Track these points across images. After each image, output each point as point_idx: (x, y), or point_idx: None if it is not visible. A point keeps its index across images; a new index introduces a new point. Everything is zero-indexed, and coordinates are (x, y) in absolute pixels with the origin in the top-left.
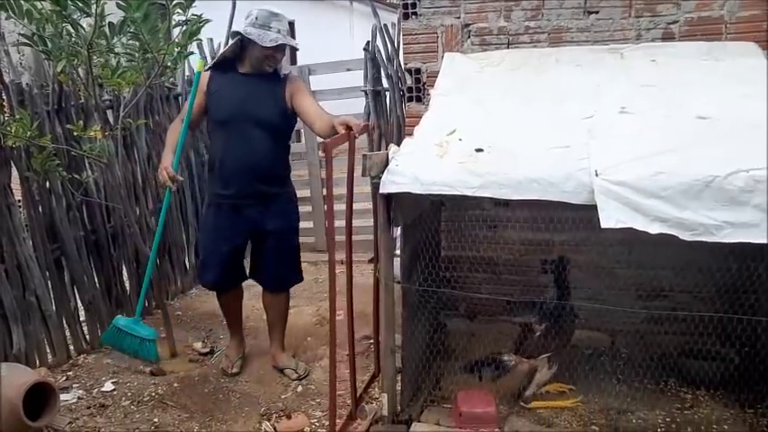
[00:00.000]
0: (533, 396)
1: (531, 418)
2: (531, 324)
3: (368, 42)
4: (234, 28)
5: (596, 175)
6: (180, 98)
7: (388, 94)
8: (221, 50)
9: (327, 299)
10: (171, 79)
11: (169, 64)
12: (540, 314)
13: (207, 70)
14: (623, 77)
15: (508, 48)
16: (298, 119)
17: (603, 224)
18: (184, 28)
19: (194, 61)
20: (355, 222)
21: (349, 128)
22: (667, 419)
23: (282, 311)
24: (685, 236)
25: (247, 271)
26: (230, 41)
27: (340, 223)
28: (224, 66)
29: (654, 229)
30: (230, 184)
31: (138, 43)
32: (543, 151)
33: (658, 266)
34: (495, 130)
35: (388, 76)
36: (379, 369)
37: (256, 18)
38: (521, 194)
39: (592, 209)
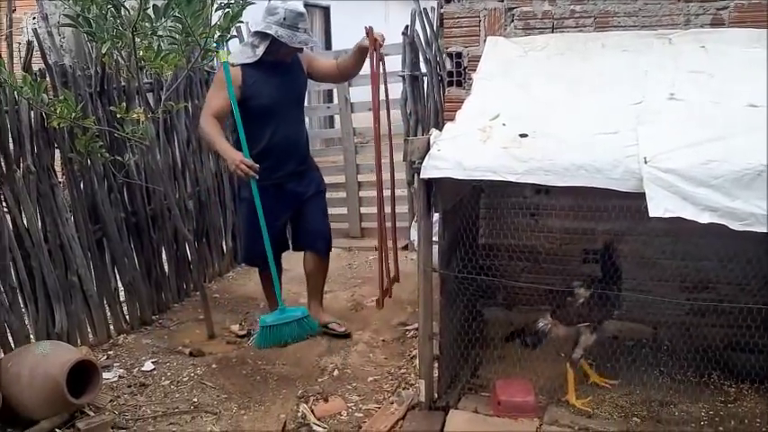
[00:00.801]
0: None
1: (571, 409)
2: (573, 289)
3: (406, 26)
4: (254, 26)
5: (645, 162)
6: None
7: (425, 79)
8: (248, 46)
9: (362, 284)
10: (211, 63)
11: (210, 47)
12: (586, 279)
13: (234, 65)
14: (671, 63)
15: (552, 32)
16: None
17: (652, 213)
18: (227, 10)
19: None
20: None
21: (374, 39)
22: (710, 413)
23: (325, 273)
24: (735, 226)
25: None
26: (255, 39)
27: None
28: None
29: (704, 218)
30: (278, 165)
31: (180, 26)
32: (590, 137)
33: (704, 257)
34: (539, 116)
35: (427, 61)
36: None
37: (284, 18)
38: (566, 181)
39: (639, 197)
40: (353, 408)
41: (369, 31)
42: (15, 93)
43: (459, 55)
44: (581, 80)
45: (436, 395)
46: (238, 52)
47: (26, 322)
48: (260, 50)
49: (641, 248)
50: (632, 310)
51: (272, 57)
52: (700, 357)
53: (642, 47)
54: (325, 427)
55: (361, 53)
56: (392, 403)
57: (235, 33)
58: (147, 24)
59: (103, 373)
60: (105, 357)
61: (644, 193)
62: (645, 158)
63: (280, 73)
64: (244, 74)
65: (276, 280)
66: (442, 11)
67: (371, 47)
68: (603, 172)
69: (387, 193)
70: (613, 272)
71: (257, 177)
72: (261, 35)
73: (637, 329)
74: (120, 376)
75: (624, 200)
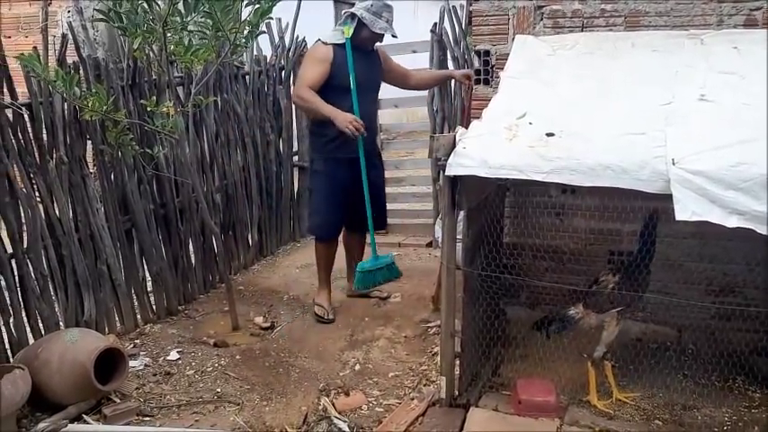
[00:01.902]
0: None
1: (593, 410)
2: (599, 276)
3: (435, 24)
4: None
5: (673, 163)
6: (247, 77)
7: None
8: (338, 31)
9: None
10: (240, 58)
11: (240, 43)
12: (612, 267)
13: (326, 44)
14: (703, 64)
15: (582, 31)
16: None
17: (679, 216)
18: (257, 6)
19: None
20: (415, 206)
21: (467, 77)
22: (734, 418)
23: (363, 248)
24: (763, 230)
25: None
26: (345, 19)
27: (401, 206)
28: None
29: (731, 222)
30: (353, 143)
31: (210, 21)
32: (617, 137)
33: (732, 261)
34: (567, 115)
35: (455, 59)
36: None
37: (371, 5)
38: (592, 181)
39: (665, 199)
40: (374, 402)
41: (467, 76)
42: (49, 85)
43: (487, 53)
44: (610, 80)
45: (457, 392)
46: (330, 35)
47: (56, 310)
48: (352, 32)
49: (667, 251)
50: (657, 312)
51: (356, 40)
52: (724, 362)
53: (673, 47)
54: (345, 421)
55: (442, 80)
56: (413, 399)
57: (264, 29)
58: (177, 19)
59: (130, 362)
60: (132, 346)
61: (671, 195)
62: (673, 160)
63: (362, 58)
64: (334, 53)
65: (372, 236)
66: (470, 9)
67: (465, 84)
68: (630, 173)
69: (413, 189)
70: (650, 245)
71: (365, 134)
72: (350, 17)
73: (661, 332)
74: (145, 365)
75: (651, 201)
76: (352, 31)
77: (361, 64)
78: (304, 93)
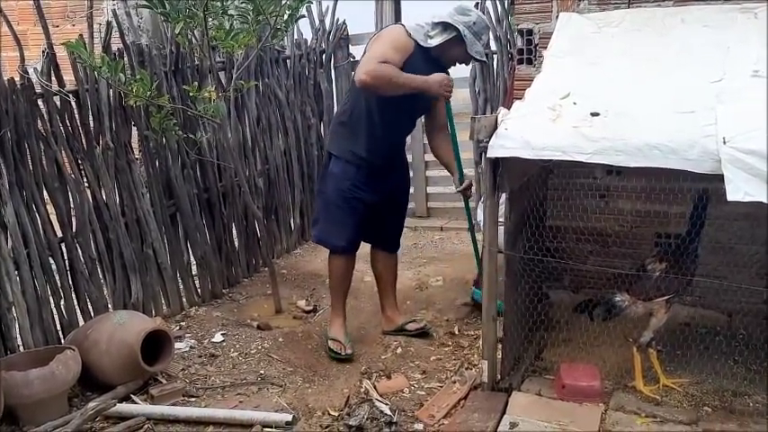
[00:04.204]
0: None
1: (639, 395)
2: (645, 264)
3: (477, 4)
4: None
5: (724, 142)
6: (288, 61)
7: (495, 57)
8: (420, 32)
9: (427, 264)
10: (281, 42)
11: (280, 26)
12: (659, 252)
13: (410, 36)
14: (756, 39)
15: (628, 7)
16: None
17: (730, 197)
18: None
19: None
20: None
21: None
22: None
23: (396, 269)
24: None
25: None
26: (433, 30)
27: (443, 189)
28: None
29: None
30: (379, 151)
31: (251, 6)
32: (665, 116)
33: None
34: (612, 94)
35: (497, 39)
36: None
37: (474, 23)
38: (639, 161)
39: (716, 179)
40: (416, 386)
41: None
42: (95, 72)
43: (530, 32)
44: (658, 57)
45: (499, 376)
46: (414, 29)
47: (104, 292)
48: (434, 42)
49: (717, 233)
50: (706, 296)
51: (438, 53)
52: None
53: (725, 21)
54: (387, 404)
55: (445, 165)
56: (454, 383)
57: (304, 13)
58: (218, 4)
59: (176, 343)
60: (178, 328)
61: (722, 176)
62: (724, 139)
63: (429, 71)
64: (414, 51)
65: (474, 241)
66: None
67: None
68: (679, 152)
69: None
70: (699, 227)
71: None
72: (443, 26)
73: (710, 317)
74: (191, 347)
75: (700, 182)
76: (438, 42)
77: (426, 73)
78: (379, 67)
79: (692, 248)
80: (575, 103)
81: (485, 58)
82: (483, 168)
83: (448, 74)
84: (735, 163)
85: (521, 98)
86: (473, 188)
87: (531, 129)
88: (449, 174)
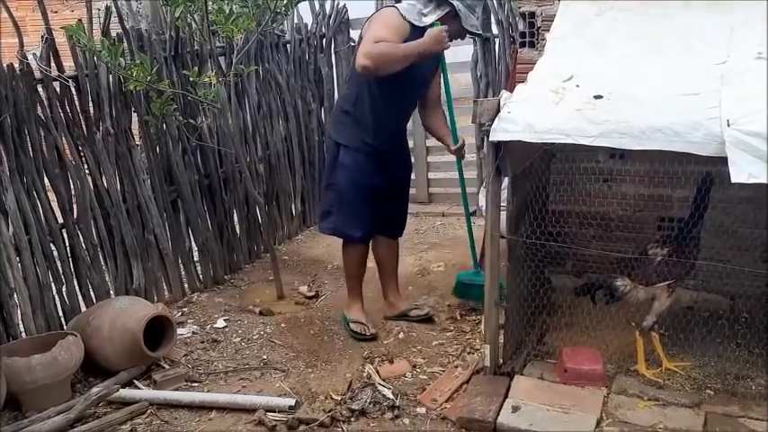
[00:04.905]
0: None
1: (641, 379)
2: (647, 249)
3: None
4: None
5: (728, 124)
6: (288, 46)
7: (497, 40)
8: (414, 10)
9: (428, 249)
10: (281, 27)
11: (280, 11)
12: (662, 239)
13: (405, 19)
14: (761, 20)
15: None
16: None
17: (734, 178)
18: None
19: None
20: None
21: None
22: None
23: (397, 256)
24: None
25: None
26: (426, 8)
27: (444, 175)
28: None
29: None
30: (386, 136)
31: None
32: (669, 99)
33: None
34: (615, 77)
35: (499, 22)
36: None
37: None
38: (642, 144)
39: (719, 162)
40: (418, 370)
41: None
42: (95, 57)
43: (532, 15)
44: (661, 39)
45: (501, 360)
46: (407, 9)
47: (106, 278)
48: (428, 19)
49: (720, 216)
50: (709, 280)
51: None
52: None
53: (729, 2)
54: (389, 388)
55: (440, 137)
56: (456, 367)
57: None
58: None
59: (178, 329)
60: (180, 314)
61: (726, 158)
62: (728, 121)
63: None
64: (409, 34)
65: (471, 236)
66: None
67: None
68: (683, 135)
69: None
70: (703, 209)
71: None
72: (436, 3)
73: (713, 300)
74: (193, 332)
75: (704, 165)
76: (436, 20)
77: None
78: (374, 47)
79: (694, 232)
80: (578, 86)
81: (481, 31)
82: (485, 152)
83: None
84: (739, 145)
85: (523, 81)
86: (464, 151)
87: (534, 112)
88: (451, 160)
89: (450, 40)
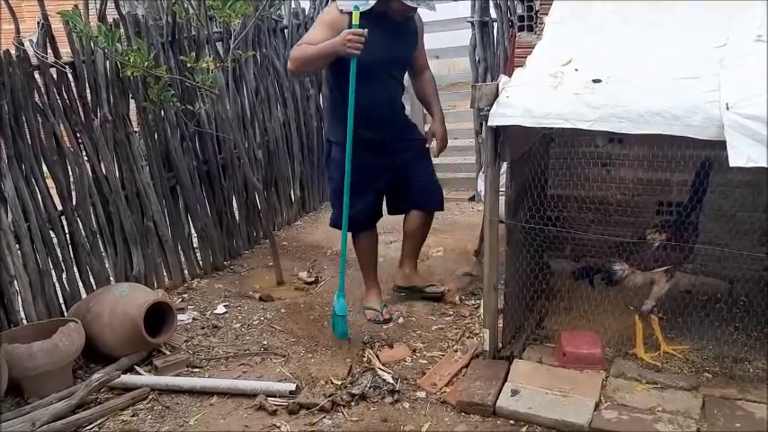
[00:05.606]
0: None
1: (639, 362)
2: (645, 234)
3: None
4: None
5: (727, 108)
6: (286, 31)
7: (495, 24)
8: None
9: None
10: (278, 11)
11: None
12: (660, 224)
13: (342, 12)
14: (761, 3)
15: None
16: None
17: (733, 162)
18: None
19: None
20: (456, 159)
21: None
22: None
23: (424, 234)
24: None
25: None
26: None
27: (444, 160)
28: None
29: None
30: (375, 125)
31: None
32: (668, 82)
33: None
34: (614, 60)
35: (497, 6)
36: None
37: None
38: (641, 128)
39: (718, 146)
40: (418, 354)
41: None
42: (92, 43)
43: None
44: (660, 23)
45: (500, 345)
46: (344, 2)
47: (106, 265)
48: (371, 1)
49: (719, 200)
50: (707, 264)
51: (381, 10)
52: None
53: None
54: (389, 372)
55: (424, 105)
56: (456, 351)
57: None
58: None
59: (178, 315)
60: (180, 300)
61: (725, 142)
62: (727, 104)
63: (388, 31)
64: (347, 22)
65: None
66: None
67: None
68: (681, 119)
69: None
70: (702, 193)
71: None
72: None
73: (711, 284)
74: (193, 318)
75: (703, 149)
76: (373, 1)
77: (387, 37)
78: (294, 51)
79: (693, 217)
80: (576, 70)
81: (426, 6)
82: (484, 137)
83: (412, 30)
84: (738, 129)
85: (522, 66)
86: (434, 143)
87: (533, 96)
88: (450, 145)
89: (402, 17)
